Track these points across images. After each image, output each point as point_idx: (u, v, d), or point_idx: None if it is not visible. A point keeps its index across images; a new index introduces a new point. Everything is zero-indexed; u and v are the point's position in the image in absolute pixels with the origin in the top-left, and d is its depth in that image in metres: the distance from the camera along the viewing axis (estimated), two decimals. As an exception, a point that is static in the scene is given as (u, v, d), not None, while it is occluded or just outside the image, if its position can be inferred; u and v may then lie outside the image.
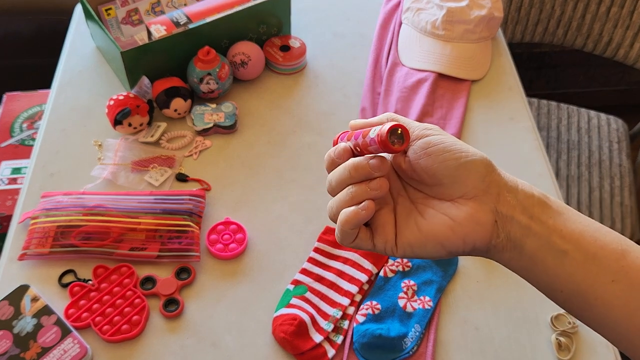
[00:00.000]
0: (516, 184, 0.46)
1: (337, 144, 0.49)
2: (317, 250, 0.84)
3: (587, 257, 0.43)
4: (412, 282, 0.81)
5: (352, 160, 0.45)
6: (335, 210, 0.45)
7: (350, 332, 0.77)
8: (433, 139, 0.45)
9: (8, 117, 1.37)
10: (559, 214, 0.44)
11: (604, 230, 0.45)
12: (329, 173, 0.47)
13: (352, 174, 0.44)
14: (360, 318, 0.77)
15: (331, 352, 0.75)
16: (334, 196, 0.46)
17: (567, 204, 1.25)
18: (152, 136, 0.97)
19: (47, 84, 1.12)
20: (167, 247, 0.83)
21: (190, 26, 1.00)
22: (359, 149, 0.46)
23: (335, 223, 0.45)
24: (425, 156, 0.44)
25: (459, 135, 1.00)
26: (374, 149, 0.44)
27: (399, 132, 0.43)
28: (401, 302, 0.79)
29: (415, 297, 0.80)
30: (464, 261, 0.85)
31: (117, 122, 0.94)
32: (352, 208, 0.44)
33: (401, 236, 0.46)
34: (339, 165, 0.46)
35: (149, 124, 0.98)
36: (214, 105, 1.00)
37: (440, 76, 1.07)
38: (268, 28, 1.09)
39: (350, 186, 0.45)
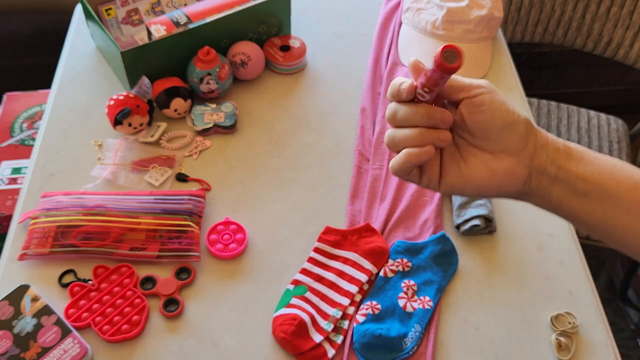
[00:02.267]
0: (547, 140, 0.51)
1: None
2: (317, 250, 0.84)
3: (605, 194, 0.50)
4: (412, 282, 0.81)
5: (427, 107, 0.49)
6: (399, 143, 0.50)
7: (350, 332, 0.77)
8: (486, 98, 0.49)
9: (8, 117, 1.37)
10: (579, 159, 0.51)
11: (619, 167, 0.51)
12: (390, 102, 0.51)
13: (424, 119, 0.49)
14: (360, 318, 0.77)
15: (331, 352, 0.75)
16: (394, 127, 0.51)
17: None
18: (152, 136, 0.97)
19: (47, 84, 1.12)
20: (167, 247, 0.83)
21: (190, 26, 1.00)
22: (421, 88, 0.49)
23: (394, 152, 0.51)
24: (478, 113, 0.49)
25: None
26: (435, 77, 0.47)
27: (452, 51, 0.47)
28: (401, 302, 0.79)
29: (415, 297, 0.80)
30: (464, 261, 0.85)
31: (117, 122, 0.94)
32: (417, 150, 0.49)
33: (445, 177, 0.52)
34: (401, 100, 0.50)
35: (149, 124, 0.98)
36: (214, 105, 1.00)
37: (440, 76, 1.07)
38: (268, 28, 1.09)
39: (419, 128, 0.49)
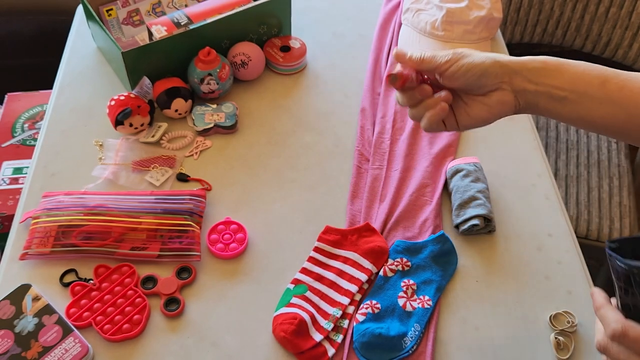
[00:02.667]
0: (519, 64, 0.62)
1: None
2: (317, 249, 0.85)
3: (580, 94, 0.60)
4: (411, 282, 0.82)
5: (416, 90, 0.65)
6: (416, 115, 0.65)
7: (350, 331, 0.77)
8: (454, 68, 0.62)
9: (9, 117, 1.37)
10: (555, 71, 0.61)
11: (589, 69, 0.61)
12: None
13: (417, 98, 0.65)
14: (360, 317, 0.78)
15: (331, 351, 0.75)
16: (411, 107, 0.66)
17: (566, 204, 1.26)
18: (152, 136, 0.97)
19: (48, 84, 1.12)
20: (168, 246, 0.83)
21: (191, 27, 1.00)
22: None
23: (418, 121, 0.66)
24: (454, 80, 0.63)
25: (458, 135, 1.00)
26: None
27: (394, 75, 0.62)
28: (401, 302, 0.80)
29: (415, 297, 0.80)
30: (463, 261, 0.85)
31: (118, 123, 0.95)
32: (433, 111, 0.63)
33: (460, 120, 0.66)
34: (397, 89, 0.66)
35: (150, 124, 0.98)
36: (214, 106, 1.01)
37: (440, 76, 1.08)
38: (268, 28, 1.09)
39: (424, 102, 0.65)
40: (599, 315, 0.51)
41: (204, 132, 0.99)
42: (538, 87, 0.61)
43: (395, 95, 0.68)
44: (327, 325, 0.77)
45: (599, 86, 0.60)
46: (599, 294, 0.53)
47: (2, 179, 1.26)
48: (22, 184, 1.23)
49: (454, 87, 0.64)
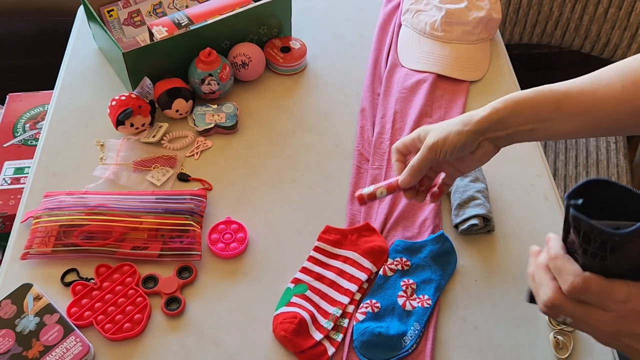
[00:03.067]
0: (488, 119, 0.68)
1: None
2: (317, 249, 0.85)
3: (543, 121, 0.67)
4: (411, 281, 0.82)
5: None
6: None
7: (350, 331, 0.78)
8: (440, 159, 0.71)
9: (11, 117, 1.38)
10: (515, 112, 0.67)
11: (543, 96, 0.67)
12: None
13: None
14: (360, 316, 0.78)
15: (331, 350, 0.75)
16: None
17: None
18: (153, 136, 0.98)
19: (49, 85, 1.13)
20: (169, 246, 0.84)
21: (192, 27, 1.01)
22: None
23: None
24: (440, 172, 0.78)
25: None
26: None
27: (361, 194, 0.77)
28: (400, 301, 0.80)
29: (415, 296, 0.81)
30: (462, 260, 0.85)
31: (119, 123, 0.95)
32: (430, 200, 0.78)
33: (454, 177, 0.77)
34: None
35: (151, 124, 0.99)
36: (215, 106, 1.01)
37: (439, 77, 1.08)
38: (269, 29, 1.10)
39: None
40: (555, 265, 0.46)
41: (205, 132, 0.99)
42: (508, 130, 0.68)
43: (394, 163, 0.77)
44: (327, 324, 0.77)
45: (556, 110, 0.66)
46: (557, 241, 0.48)
47: (4, 179, 1.26)
48: (24, 183, 1.23)
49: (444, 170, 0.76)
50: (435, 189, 0.77)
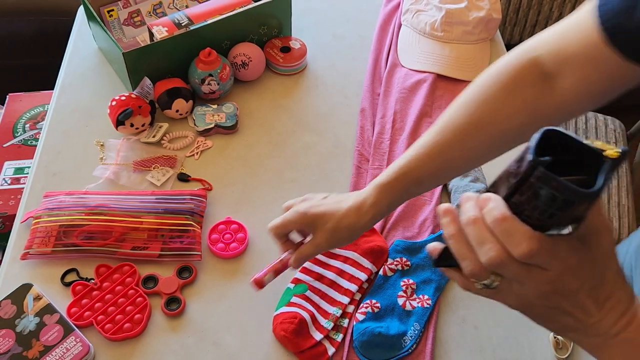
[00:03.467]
0: (378, 214, 0.71)
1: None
2: (317, 249, 0.85)
3: (414, 195, 0.73)
4: (411, 281, 0.82)
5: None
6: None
7: (350, 331, 0.78)
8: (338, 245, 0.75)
9: (11, 117, 1.38)
10: (393, 200, 0.71)
11: (405, 179, 0.69)
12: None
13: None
14: (360, 316, 0.78)
15: (331, 350, 0.76)
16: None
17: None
18: (153, 136, 0.98)
19: (49, 85, 1.13)
20: (169, 246, 0.84)
21: (192, 27, 1.01)
22: None
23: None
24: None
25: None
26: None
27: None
28: (400, 301, 0.80)
29: (415, 296, 0.81)
30: (462, 260, 0.85)
31: (119, 123, 0.95)
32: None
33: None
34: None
35: (151, 124, 0.99)
36: (215, 106, 1.01)
37: (439, 77, 1.08)
38: (269, 29, 1.10)
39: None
40: (504, 227, 0.42)
41: (205, 132, 0.99)
42: (392, 210, 0.73)
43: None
44: (327, 324, 0.77)
45: (418, 185, 0.70)
46: (499, 201, 0.44)
47: (4, 179, 1.26)
48: (24, 184, 1.23)
49: None
50: None
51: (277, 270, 0.75)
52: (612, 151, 0.40)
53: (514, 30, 1.42)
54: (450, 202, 0.90)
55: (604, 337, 0.47)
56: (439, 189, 0.92)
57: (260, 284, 0.74)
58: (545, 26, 1.41)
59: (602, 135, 1.42)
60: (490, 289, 0.46)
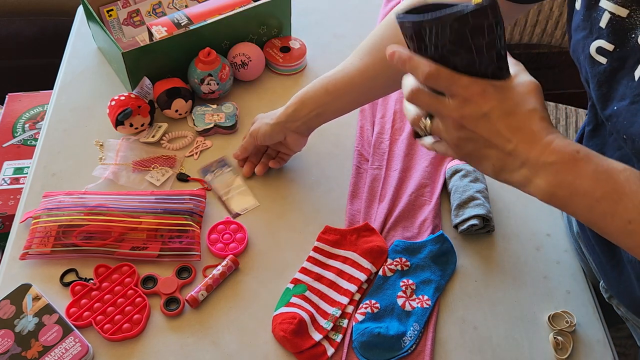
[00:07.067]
0: (285, 114, 0.87)
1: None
2: (316, 249, 0.85)
3: (322, 107, 0.85)
4: (410, 282, 0.82)
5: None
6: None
7: (349, 331, 0.78)
8: (259, 142, 0.91)
9: (10, 117, 1.38)
10: (301, 104, 0.86)
11: (315, 88, 0.84)
12: None
13: None
14: (359, 317, 0.78)
15: (330, 350, 0.75)
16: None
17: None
18: (153, 136, 0.98)
19: (49, 85, 1.13)
20: (168, 246, 0.84)
21: (191, 27, 1.01)
22: None
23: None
24: (263, 145, 0.93)
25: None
26: None
27: None
28: (400, 301, 0.80)
29: (414, 296, 0.80)
30: (462, 261, 0.85)
31: (118, 123, 0.95)
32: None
33: (286, 156, 0.96)
34: None
35: (150, 124, 0.99)
36: (214, 106, 1.01)
37: (439, 77, 1.08)
38: (268, 29, 1.10)
39: None
40: (410, 65, 0.51)
41: (204, 132, 0.99)
42: (302, 120, 0.84)
43: None
44: (327, 324, 0.77)
45: (326, 94, 0.82)
46: (401, 47, 0.53)
47: (3, 179, 1.26)
48: (23, 184, 1.23)
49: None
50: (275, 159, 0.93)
51: (209, 287, 0.80)
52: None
53: (514, 30, 1.42)
54: (450, 202, 0.90)
55: (529, 167, 0.51)
56: (439, 189, 0.92)
57: (194, 302, 0.78)
58: (546, 26, 1.41)
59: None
60: (428, 134, 0.56)
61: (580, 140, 0.75)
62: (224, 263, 0.82)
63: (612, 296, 0.78)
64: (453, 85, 0.50)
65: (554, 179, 0.50)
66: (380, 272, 0.83)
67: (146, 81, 0.98)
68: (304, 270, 0.83)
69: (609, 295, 0.79)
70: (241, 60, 1.04)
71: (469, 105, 0.51)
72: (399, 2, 1.21)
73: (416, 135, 0.60)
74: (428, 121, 0.55)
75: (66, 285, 0.81)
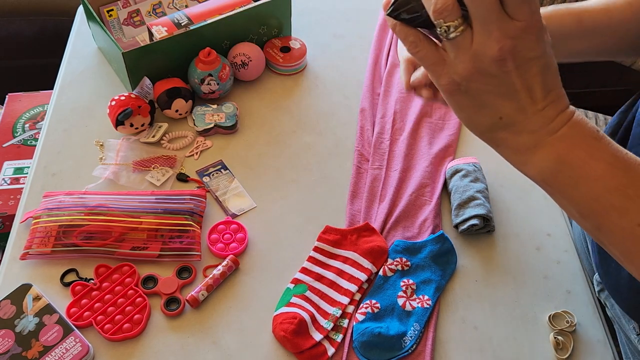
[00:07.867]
0: None
1: None
2: (317, 249, 0.85)
3: (563, 39, 0.68)
4: (411, 281, 0.82)
5: None
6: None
7: (349, 331, 0.78)
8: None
9: (10, 117, 1.38)
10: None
11: (566, 12, 0.68)
12: None
13: None
14: (359, 317, 0.78)
15: (331, 350, 0.75)
16: None
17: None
18: (153, 136, 0.98)
19: (49, 85, 1.13)
20: (168, 246, 0.84)
21: (192, 27, 1.01)
22: None
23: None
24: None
25: (457, 135, 1.00)
26: None
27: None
28: (400, 301, 0.80)
29: (414, 296, 0.80)
30: (462, 261, 0.85)
31: (118, 123, 0.95)
32: None
33: None
34: None
35: (151, 124, 0.99)
36: (214, 106, 1.01)
37: (440, 77, 1.08)
38: (268, 29, 1.10)
39: None
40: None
41: (205, 132, 0.99)
42: None
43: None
44: (327, 324, 0.77)
45: (577, 25, 0.67)
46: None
47: (3, 179, 1.26)
48: (23, 184, 1.23)
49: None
50: None
51: (209, 287, 0.79)
52: None
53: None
54: (450, 202, 0.90)
55: (538, 135, 0.44)
56: (439, 189, 0.92)
57: (195, 302, 0.78)
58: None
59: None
60: (449, 39, 0.43)
61: None
62: (224, 263, 0.82)
63: (603, 289, 0.77)
64: (526, 3, 0.40)
65: (565, 153, 0.43)
66: (381, 272, 0.83)
67: (146, 81, 0.98)
68: (305, 270, 0.83)
69: (600, 288, 0.78)
70: (241, 60, 1.04)
71: (528, 37, 0.41)
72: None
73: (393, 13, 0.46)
74: (458, 22, 0.42)
75: (66, 285, 0.81)
